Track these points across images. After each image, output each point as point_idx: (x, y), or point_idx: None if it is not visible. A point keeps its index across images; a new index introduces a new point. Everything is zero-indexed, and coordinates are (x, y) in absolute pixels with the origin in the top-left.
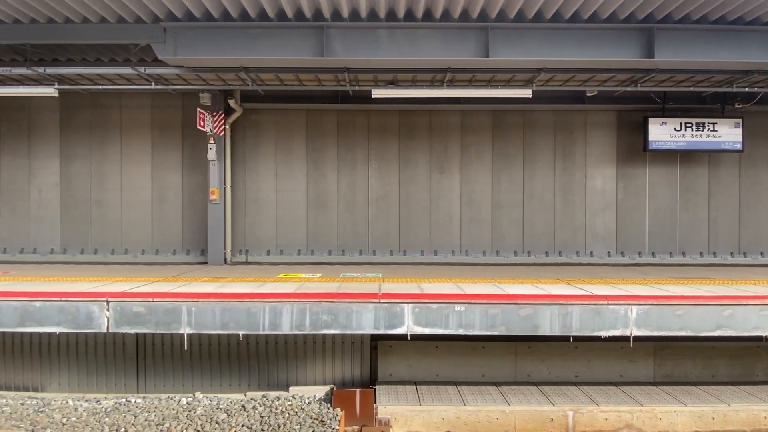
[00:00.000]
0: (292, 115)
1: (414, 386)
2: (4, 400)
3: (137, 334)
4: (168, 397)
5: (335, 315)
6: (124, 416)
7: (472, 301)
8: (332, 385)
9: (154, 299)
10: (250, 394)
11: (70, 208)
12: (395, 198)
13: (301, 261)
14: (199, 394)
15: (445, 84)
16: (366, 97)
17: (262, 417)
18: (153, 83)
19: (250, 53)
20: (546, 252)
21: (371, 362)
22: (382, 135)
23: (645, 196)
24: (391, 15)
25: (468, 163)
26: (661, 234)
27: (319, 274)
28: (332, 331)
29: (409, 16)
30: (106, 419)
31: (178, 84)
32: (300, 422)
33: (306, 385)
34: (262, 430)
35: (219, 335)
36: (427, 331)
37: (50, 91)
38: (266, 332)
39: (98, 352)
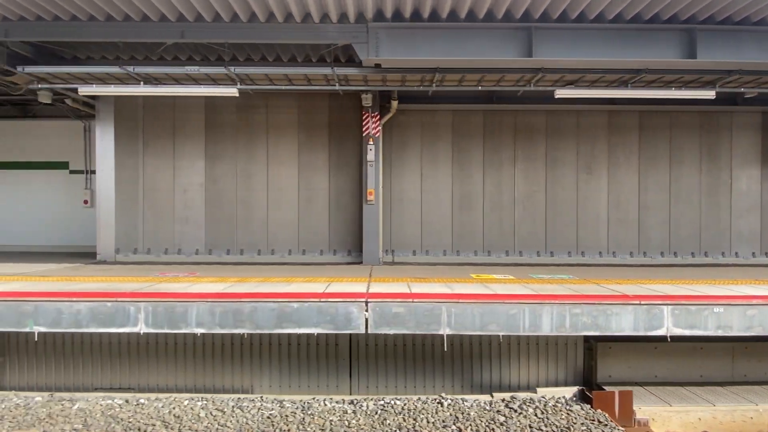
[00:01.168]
0: (438, 115)
1: (641, 387)
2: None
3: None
4: (418, 399)
5: (594, 317)
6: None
7: (731, 303)
8: (580, 387)
9: (414, 300)
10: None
11: (216, 208)
12: (542, 198)
13: (447, 262)
14: (446, 396)
15: (629, 85)
16: (512, 98)
17: (539, 417)
18: (336, 84)
19: (449, 54)
20: (692, 253)
21: (584, 364)
22: (528, 135)
23: None
24: (600, 17)
25: (615, 163)
26: None
27: (510, 276)
28: (591, 333)
29: (618, 17)
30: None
31: (356, 85)
32: (572, 422)
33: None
34: (547, 429)
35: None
36: (686, 332)
37: (232, 91)
38: (527, 333)
39: (310, 354)
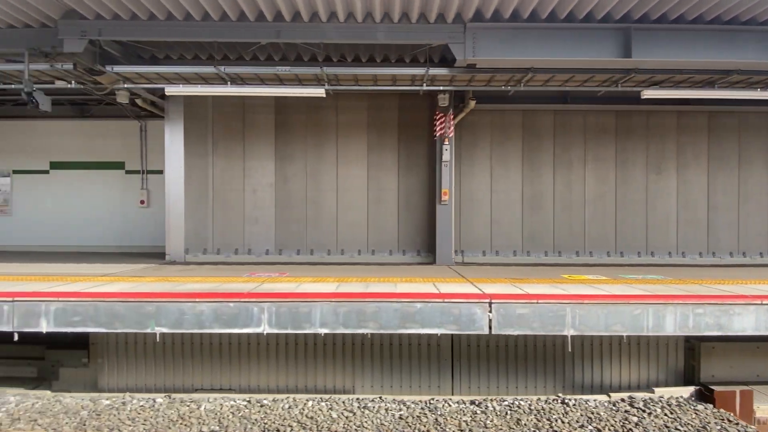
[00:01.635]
0: (509, 115)
1: (746, 387)
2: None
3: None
4: (538, 399)
5: (717, 317)
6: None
7: None
8: (698, 386)
9: (538, 301)
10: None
11: (285, 208)
12: (611, 199)
13: (517, 262)
14: (565, 395)
15: (716, 85)
16: (584, 98)
17: (670, 417)
18: (424, 84)
19: (543, 53)
20: (760, 253)
21: (685, 364)
22: (598, 135)
23: None
24: (699, 18)
25: (684, 164)
26: None
27: (600, 276)
28: (713, 333)
29: (717, 19)
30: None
31: (440, 85)
32: (705, 421)
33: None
34: (684, 429)
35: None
36: None
37: (320, 92)
38: (650, 334)
39: (412, 354)
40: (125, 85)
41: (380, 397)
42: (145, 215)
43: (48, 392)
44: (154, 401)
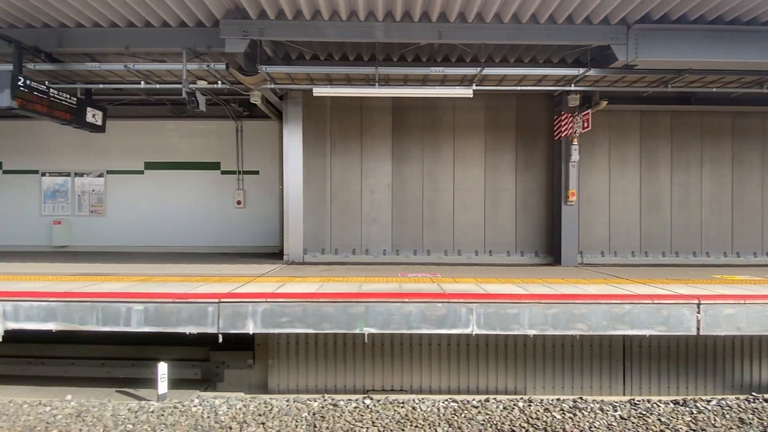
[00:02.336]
0: (627, 116)
1: None
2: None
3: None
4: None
5: None
6: None
7: None
8: None
9: (746, 301)
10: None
11: (402, 209)
12: (728, 199)
13: (636, 263)
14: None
15: None
16: (703, 99)
17: None
18: (572, 84)
19: (704, 55)
20: None
21: None
22: (714, 136)
23: None
24: None
25: None
26: None
27: (749, 276)
28: None
29: None
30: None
31: (583, 85)
32: None
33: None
34: None
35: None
36: None
37: (468, 92)
38: None
39: (584, 354)
40: (270, 86)
41: (581, 398)
42: (240, 216)
43: (246, 395)
44: (362, 402)
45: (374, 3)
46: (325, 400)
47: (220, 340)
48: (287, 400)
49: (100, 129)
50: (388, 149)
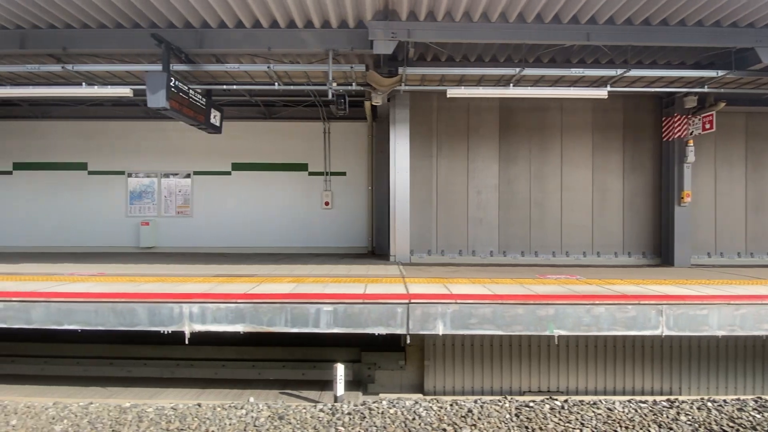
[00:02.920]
0: (732, 117)
1: None
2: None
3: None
4: None
5: None
6: None
7: None
8: None
9: None
10: None
11: (509, 210)
12: None
13: (742, 264)
14: None
15: None
16: None
17: None
18: (704, 87)
19: None
20: None
21: None
22: None
23: None
24: None
25: None
26: None
27: None
28: None
29: None
30: None
31: (715, 87)
32: None
33: None
34: None
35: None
36: None
37: (602, 93)
38: None
39: (738, 355)
40: (403, 87)
41: (759, 397)
42: (328, 217)
43: (424, 396)
44: (550, 402)
45: (530, 4)
46: (515, 401)
47: (408, 341)
48: (475, 401)
49: (218, 130)
50: (494, 150)
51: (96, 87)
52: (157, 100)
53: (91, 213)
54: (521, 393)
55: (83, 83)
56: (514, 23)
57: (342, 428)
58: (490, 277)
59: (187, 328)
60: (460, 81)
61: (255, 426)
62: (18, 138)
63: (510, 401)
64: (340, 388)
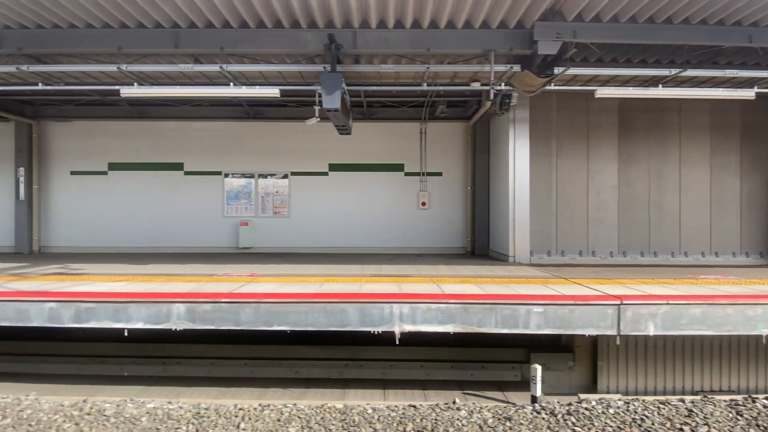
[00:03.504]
0: None
1: None
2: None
3: None
4: None
5: None
6: None
7: None
8: None
9: None
10: None
11: (628, 210)
12: None
13: None
14: None
15: None
16: None
17: None
18: None
19: None
20: None
21: None
22: None
23: None
24: None
25: None
26: None
27: None
28: None
29: None
30: None
31: None
32: None
33: None
34: None
35: None
36: None
37: (750, 94)
38: None
39: None
40: (553, 87)
41: None
42: (424, 217)
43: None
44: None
45: (701, 9)
46: (722, 401)
47: (617, 342)
48: (681, 400)
49: (350, 131)
50: (614, 150)
51: (244, 88)
52: (333, 101)
53: (188, 213)
54: (694, 392)
55: (231, 83)
56: (680, 24)
57: (579, 429)
58: (631, 278)
59: (398, 328)
60: (608, 81)
61: (488, 425)
62: (114, 138)
63: (717, 402)
64: (537, 388)
